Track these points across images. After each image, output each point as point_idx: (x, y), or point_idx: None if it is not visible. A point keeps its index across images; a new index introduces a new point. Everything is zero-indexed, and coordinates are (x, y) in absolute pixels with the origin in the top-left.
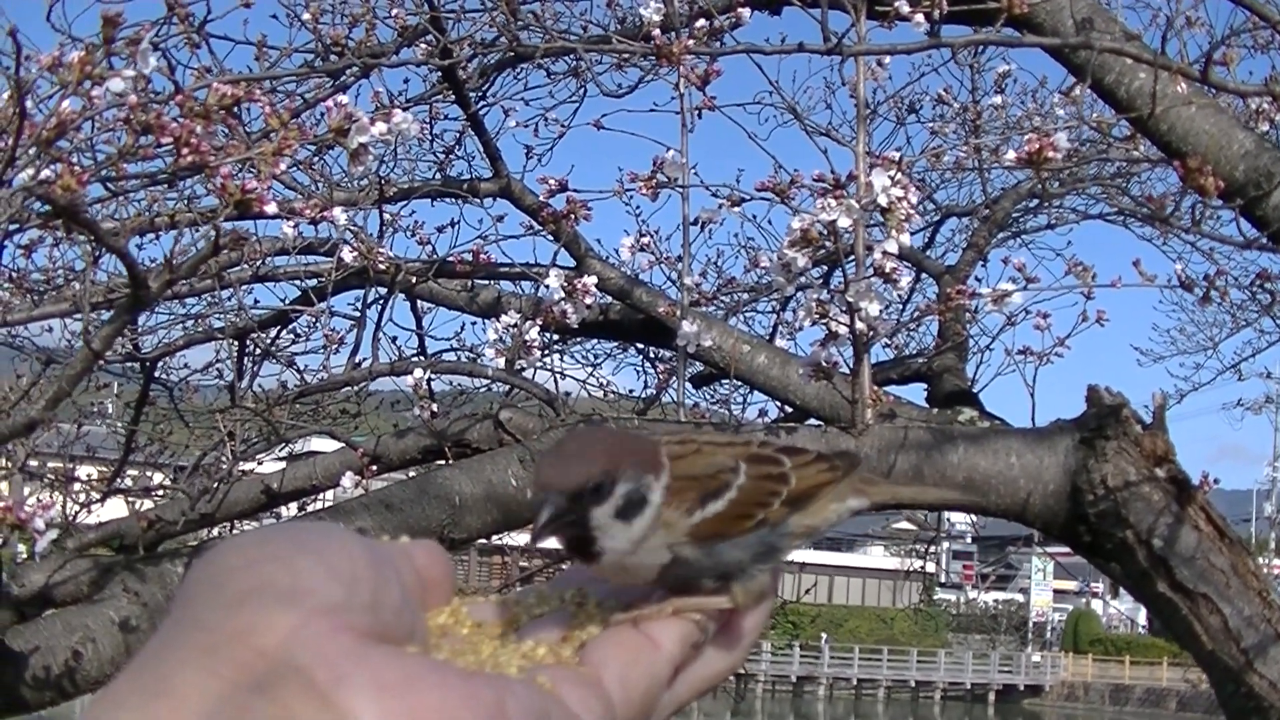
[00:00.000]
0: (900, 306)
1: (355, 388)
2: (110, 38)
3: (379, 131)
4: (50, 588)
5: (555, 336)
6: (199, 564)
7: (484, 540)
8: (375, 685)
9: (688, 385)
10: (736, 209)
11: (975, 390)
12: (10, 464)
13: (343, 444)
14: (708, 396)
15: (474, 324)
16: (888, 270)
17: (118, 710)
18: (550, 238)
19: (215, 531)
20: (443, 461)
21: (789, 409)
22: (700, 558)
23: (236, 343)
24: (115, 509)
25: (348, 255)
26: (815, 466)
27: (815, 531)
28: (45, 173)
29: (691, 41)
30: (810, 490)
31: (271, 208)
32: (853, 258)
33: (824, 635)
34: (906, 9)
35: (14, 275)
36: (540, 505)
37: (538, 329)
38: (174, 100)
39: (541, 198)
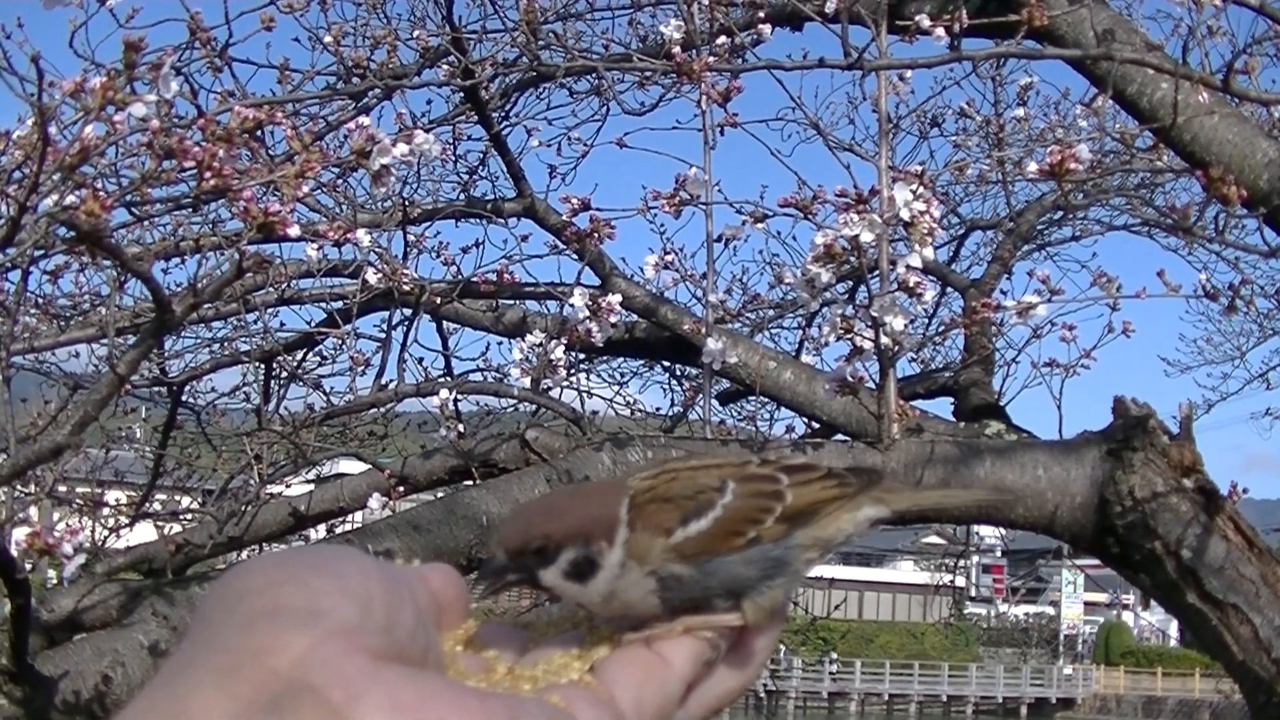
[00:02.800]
0: (926, 321)
1: (382, 409)
2: (132, 63)
3: (401, 153)
4: (79, 612)
5: (581, 355)
6: (216, 586)
7: None
8: (390, 704)
9: (714, 402)
10: (760, 225)
11: (1002, 403)
12: (38, 489)
13: (369, 465)
14: (734, 413)
15: (500, 344)
16: (912, 284)
17: None
18: (575, 257)
19: (244, 554)
20: (470, 482)
21: (816, 425)
22: (696, 575)
23: (263, 366)
24: (144, 533)
25: (372, 277)
26: (820, 484)
27: (829, 543)
28: (70, 199)
29: (712, 58)
30: (812, 506)
31: (294, 230)
32: (877, 272)
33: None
34: (927, 23)
35: (40, 301)
36: (488, 560)
37: (563, 348)
38: (196, 124)
39: (565, 217)
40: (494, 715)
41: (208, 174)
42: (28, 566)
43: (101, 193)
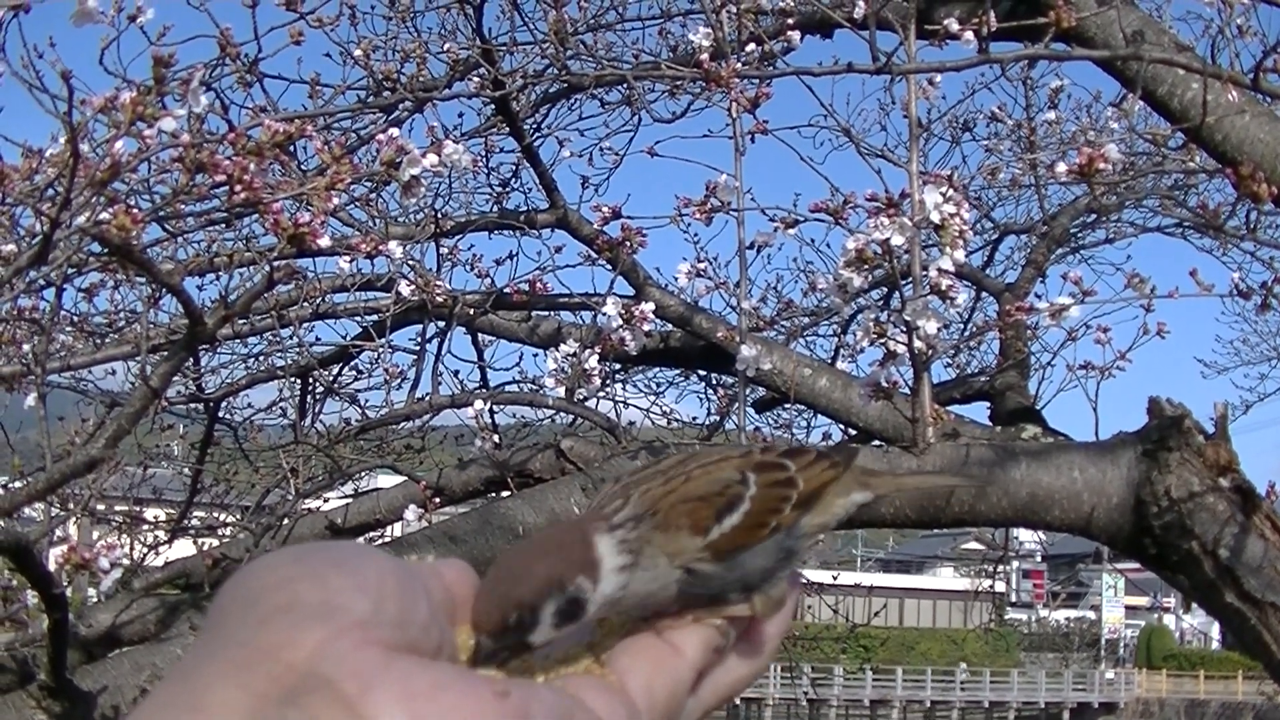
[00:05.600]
0: (960, 326)
1: (418, 422)
2: (161, 78)
3: (430, 163)
4: (118, 627)
5: (617, 366)
6: (231, 583)
7: None
8: (402, 693)
9: (750, 410)
10: (792, 231)
11: (1038, 407)
12: (76, 507)
13: (405, 477)
14: (770, 421)
15: (535, 356)
16: (944, 288)
17: None
18: (608, 267)
19: None
20: (505, 492)
21: (852, 431)
22: (722, 571)
23: (299, 381)
24: (183, 550)
25: (405, 289)
26: (819, 465)
27: (825, 529)
28: (102, 215)
29: (741, 65)
30: (817, 489)
31: (325, 241)
32: (909, 277)
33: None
34: (956, 27)
35: (76, 319)
36: (476, 648)
37: (597, 357)
38: (227, 139)
39: (596, 225)
40: (506, 700)
41: (238, 187)
42: (65, 582)
43: (135, 210)
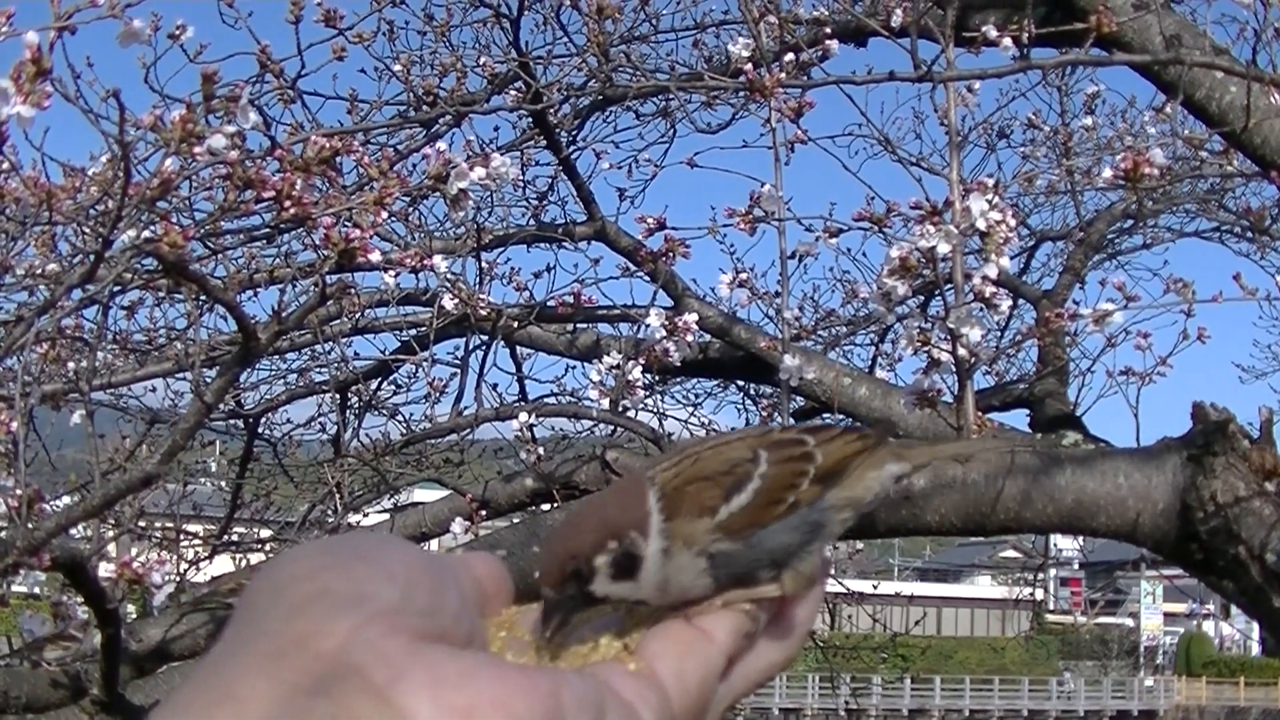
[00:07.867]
0: (999, 333)
1: (460, 435)
2: (210, 94)
3: (478, 176)
4: (168, 642)
5: (656, 377)
6: (260, 575)
7: None
8: (431, 680)
9: (790, 420)
10: (834, 240)
11: (1078, 414)
12: (118, 525)
13: (450, 491)
14: None
15: (572, 368)
16: (988, 295)
17: (181, 717)
18: (647, 278)
19: None
20: (550, 505)
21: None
22: (742, 549)
23: (339, 395)
24: (223, 566)
25: (449, 303)
26: (842, 439)
27: (860, 503)
28: (146, 233)
29: (784, 75)
30: (841, 463)
31: (375, 256)
32: (952, 284)
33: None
34: (994, 34)
35: (117, 336)
36: (543, 603)
37: (640, 368)
38: (273, 155)
39: (640, 237)
40: (536, 687)
41: (287, 203)
42: (119, 598)
43: (176, 226)
